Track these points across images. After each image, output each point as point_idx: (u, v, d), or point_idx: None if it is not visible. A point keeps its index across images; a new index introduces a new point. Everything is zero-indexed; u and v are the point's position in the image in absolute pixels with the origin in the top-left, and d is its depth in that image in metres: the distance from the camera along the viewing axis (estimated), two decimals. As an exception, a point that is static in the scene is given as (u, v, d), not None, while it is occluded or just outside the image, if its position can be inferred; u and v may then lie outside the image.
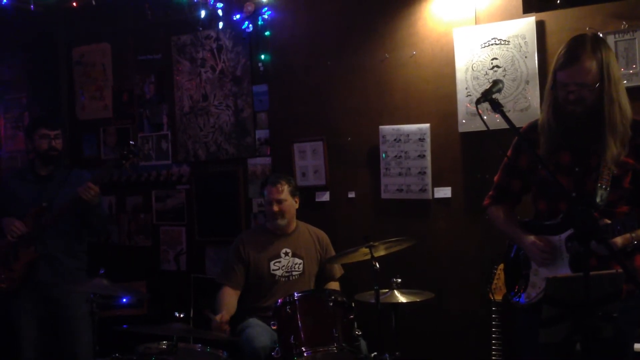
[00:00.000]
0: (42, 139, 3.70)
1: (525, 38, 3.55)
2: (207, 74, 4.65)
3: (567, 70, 2.33)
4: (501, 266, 3.21)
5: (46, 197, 3.66)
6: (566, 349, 2.37)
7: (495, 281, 3.29)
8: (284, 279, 3.74)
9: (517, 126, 2.34)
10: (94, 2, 4.49)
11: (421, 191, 3.88)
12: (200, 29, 4.57)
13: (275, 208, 3.73)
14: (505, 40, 3.61)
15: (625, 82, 3.23)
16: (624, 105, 2.34)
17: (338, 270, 3.88)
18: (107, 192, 4.73)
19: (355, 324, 3.17)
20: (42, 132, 3.70)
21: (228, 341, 3.48)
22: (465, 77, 3.72)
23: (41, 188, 3.71)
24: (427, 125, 3.86)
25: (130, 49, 4.98)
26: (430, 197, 3.87)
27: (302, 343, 3.01)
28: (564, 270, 2.38)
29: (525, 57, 3.56)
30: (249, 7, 4.32)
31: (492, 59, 3.65)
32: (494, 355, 3.27)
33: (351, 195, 4.14)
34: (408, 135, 3.91)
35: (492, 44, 3.65)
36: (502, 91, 2.50)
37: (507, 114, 2.30)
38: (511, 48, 3.60)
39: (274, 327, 3.16)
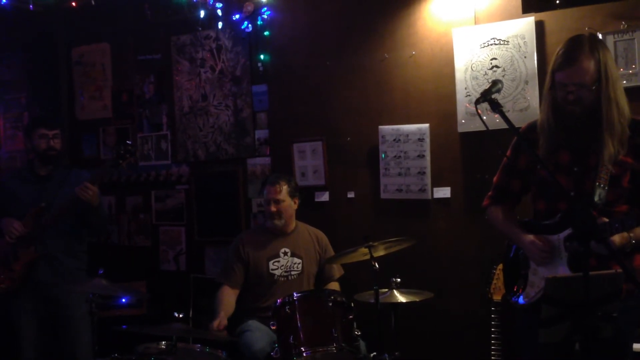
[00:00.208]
0: (40, 139, 3.70)
1: (524, 38, 3.55)
2: (206, 74, 4.65)
3: (566, 70, 2.34)
4: (500, 266, 3.21)
5: (45, 197, 3.66)
6: (566, 349, 2.37)
7: (494, 281, 3.30)
8: (283, 279, 3.74)
9: (516, 126, 2.35)
10: (93, 2, 4.50)
11: (420, 191, 3.88)
12: (200, 29, 4.57)
13: (273, 208, 3.74)
14: (504, 41, 3.61)
15: (624, 82, 3.27)
16: (622, 105, 2.35)
17: (337, 270, 3.88)
18: (106, 192, 4.73)
19: (355, 324, 3.17)
20: (41, 132, 3.70)
21: (227, 341, 3.48)
22: (465, 77, 3.72)
23: (40, 188, 3.71)
24: (427, 125, 3.86)
25: (129, 49, 4.98)
26: (430, 197, 3.87)
27: (302, 343, 3.01)
28: (562, 270, 2.38)
29: (525, 57, 3.56)
30: (249, 7, 4.32)
31: (492, 59, 3.65)
32: (493, 355, 3.27)
33: (350, 195, 4.14)
34: (407, 135, 3.91)
35: (491, 44, 3.65)
36: (502, 91, 2.50)
37: (507, 114, 2.31)
38: (510, 48, 3.60)
39: (273, 327, 3.16)
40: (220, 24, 4.49)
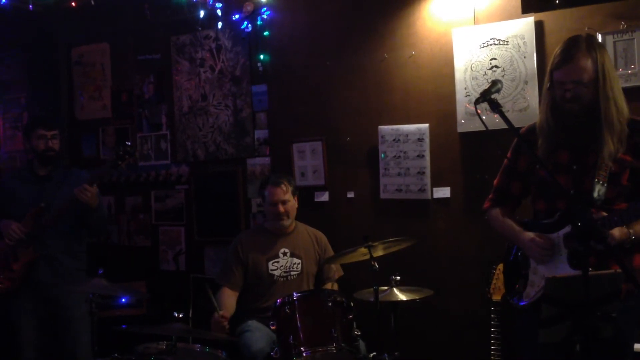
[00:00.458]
0: (39, 140, 3.69)
1: (524, 38, 3.55)
2: (206, 74, 4.65)
3: (563, 68, 2.36)
4: (500, 266, 3.21)
5: (45, 197, 3.66)
6: (566, 349, 2.37)
7: (494, 281, 3.29)
8: (282, 279, 3.74)
9: (516, 126, 2.36)
10: (93, 2, 4.49)
11: (420, 191, 3.88)
12: (200, 29, 4.57)
13: (281, 209, 3.72)
14: (504, 41, 3.61)
15: (624, 82, 3.27)
16: (621, 104, 2.38)
17: (336, 271, 3.87)
18: (106, 192, 4.73)
19: (355, 324, 3.17)
20: (39, 133, 3.70)
21: (227, 341, 3.48)
22: (464, 77, 3.72)
23: (40, 188, 3.71)
24: (426, 125, 3.86)
25: (129, 49, 4.98)
26: (430, 197, 3.87)
27: (301, 343, 3.01)
28: (563, 267, 2.38)
29: (524, 57, 3.56)
30: (248, 7, 4.32)
31: (491, 59, 3.66)
32: (493, 355, 3.27)
33: (350, 195, 4.14)
34: (407, 135, 3.92)
35: (491, 44, 3.65)
36: (501, 91, 2.52)
37: (506, 114, 2.33)
38: (510, 48, 3.60)
39: (273, 328, 3.16)
40: (219, 24, 4.49)
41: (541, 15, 3.55)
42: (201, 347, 3.13)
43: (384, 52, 3.99)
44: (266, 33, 4.35)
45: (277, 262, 3.75)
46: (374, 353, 3.18)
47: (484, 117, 2.47)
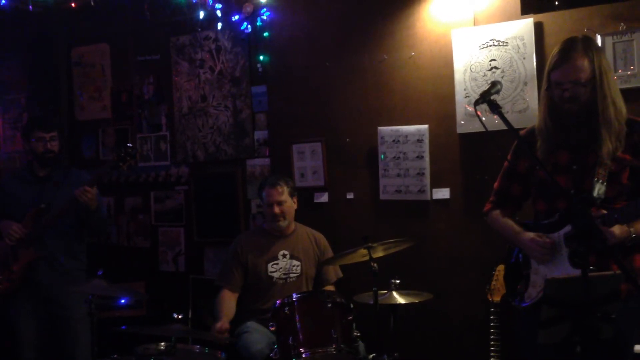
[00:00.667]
0: (38, 142, 3.69)
1: (523, 39, 3.55)
2: (205, 74, 4.65)
3: (561, 69, 2.39)
4: (499, 267, 3.21)
5: (45, 197, 3.66)
6: (566, 350, 2.37)
7: (493, 282, 3.29)
8: (281, 281, 3.73)
9: (515, 127, 2.37)
10: (92, 3, 4.49)
11: (420, 192, 3.88)
12: (199, 29, 4.57)
13: (277, 210, 3.72)
14: (503, 42, 3.61)
15: (624, 83, 3.27)
16: (619, 104, 2.40)
17: (334, 274, 3.87)
18: (105, 193, 4.72)
19: (354, 325, 3.17)
20: (38, 135, 3.69)
21: (226, 342, 3.48)
22: (464, 79, 3.72)
23: (40, 189, 3.71)
24: (426, 126, 3.86)
25: (129, 50, 4.98)
26: (429, 198, 3.87)
27: (301, 344, 3.01)
28: (564, 266, 2.39)
29: (524, 58, 3.56)
30: (248, 8, 4.32)
31: (491, 60, 3.66)
32: (493, 356, 3.27)
33: (350, 196, 4.14)
34: (407, 136, 3.92)
35: (490, 45, 3.65)
36: (501, 92, 2.53)
37: (506, 115, 2.33)
38: (509, 49, 3.60)
39: (273, 329, 3.16)
40: (219, 25, 4.49)
41: (540, 17, 3.55)
42: (200, 348, 3.13)
43: (384, 53, 3.99)
44: (266, 34, 4.35)
45: (277, 264, 3.75)
46: (374, 354, 3.19)
47: (483, 118, 2.48)
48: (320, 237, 3.93)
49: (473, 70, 3.70)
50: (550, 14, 3.53)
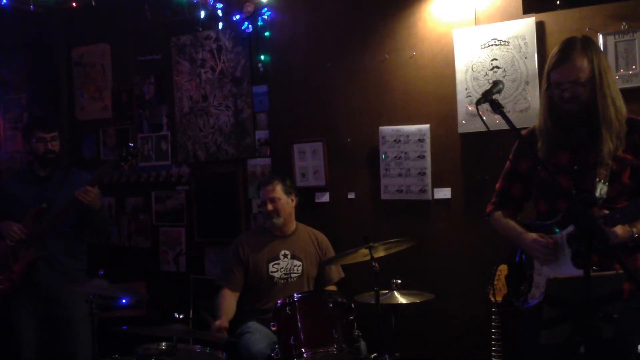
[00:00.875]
0: (38, 143, 3.68)
1: (525, 39, 3.55)
2: (206, 74, 4.64)
3: (560, 69, 2.39)
4: (501, 267, 3.21)
5: (46, 198, 3.65)
6: (568, 350, 2.37)
7: (495, 282, 3.29)
8: (282, 281, 3.73)
9: (517, 127, 2.36)
10: (93, 3, 4.49)
11: (421, 192, 3.88)
12: (200, 29, 4.56)
13: (270, 207, 3.74)
14: (505, 41, 3.61)
15: (625, 83, 3.27)
16: (619, 103, 2.40)
17: (336, 274, 3.87)
18: (106, 193, 4.73)
19: (355, 324, 3.16)
20: (39, 135, 3.68)
21: (227, 342, 3.48)
22: (465, 78, 3.72)
23: (41, 189, 3.71)
24: (427, 126, 3.86)
25: (129, 50, 4.98)
26: (430, 198, 3.87)
27: (302, 344, 3.01)
28: (567, 266, 2.38)
29: (525, 57, 3.56)
30: (249, 8, 4.32)
31: (492, 60, 3.65)
32: (494, 356, 3.27)
33: (351, 196, 4.13)
34: (408, 136, 3.91)
35: (492, 45, 3.65)
36: (502, 92, 2.52)
37: (507, 115, 2.32)
38: (511, 49, 3.59)
39: (274, 329, 3.16)
40: (220, 25, 4.48)
41: (542, 16, 3.54)
42: (201, 348, 3.13)
43: (385, 53, 3.99)
44: (267, 34, 4.35)
45: (278, 263, 3.75)
46: (375, 354, 3.17)
47: (485, 118, 2.47)
48: (321, 237, 3.92)
49: (474, 69, 3.70)
50: (552, 13, 3.52)
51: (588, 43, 2.41)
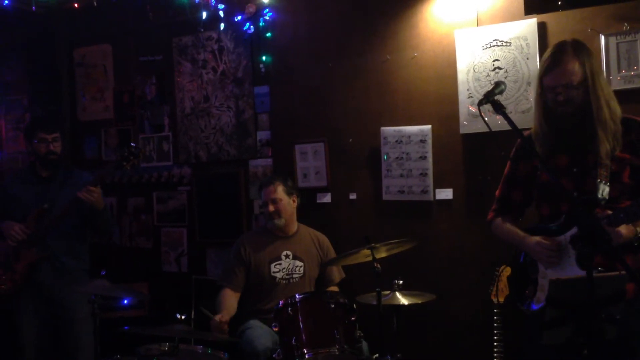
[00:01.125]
0: (40, 143, 3.68)
1: (527, 39, 3.55)
2: (208, 75, 4.65)
3: (553, 73, 2.41)
4: (502, 268, 3.20)
5: (48, 198, 3.66)
6: (570, 352, 2.36)
7: (496, 283, 3.28)
8: (284, 282, 3.73)
9: (519, 128, 2.36)
10: (95, 3, 4.50)
11: (422, 193, 3.88)
12: (202, 30, 4.56)
13: (271, 208, 3.74)
14: (506, 42, 3.61)
15: (627, 83, 3.27)
16: (613, 104, 2.43)
17: (337, 274, 3.87)
18: (108, 193, 4.72)
19: (357, 325, 3.16)
20: (40, 136, 3.68)
21: (229, 342, 3.48)
22: (467, 79, 3.72)
23: (42, 189, 3.71)
24: (429, 126, 3.86)
25: (131, 50, 4.98)
26: (432, 199, 3.87)
27: (304, 345, 3.00)
28: (572, 269, 2.38)
29: (527, 58, 3.56)
30: (250, 9, 4.32)
31: (494, 61, 3.65)
32: (495, 357, 3.26)
33: (352, 196, 4.13)
34: (409, 136, 3.91)
35: (493, 46, 3.65)
36: (504, 93, 2.52)
37: (509, 116, 2.32)
38: (513, 49, 3.59)
39: (276, 329, 3.16)
40: (222, 25, 4.48)
41: (544, 17, 3.54)
42: (203, 349, 3.13)
43: (387, 54, 3.99)
44: (268, 34, 4.35)
45: (279, 264, 3.75)
46: (377, 355, 3.17)
47: (486, 119, 2.48)
48: (323, 238, 3.92)
49: (476, 70, 3.70)
50: (554, 14, 3.53)
51: (579, 46, 2.43)
